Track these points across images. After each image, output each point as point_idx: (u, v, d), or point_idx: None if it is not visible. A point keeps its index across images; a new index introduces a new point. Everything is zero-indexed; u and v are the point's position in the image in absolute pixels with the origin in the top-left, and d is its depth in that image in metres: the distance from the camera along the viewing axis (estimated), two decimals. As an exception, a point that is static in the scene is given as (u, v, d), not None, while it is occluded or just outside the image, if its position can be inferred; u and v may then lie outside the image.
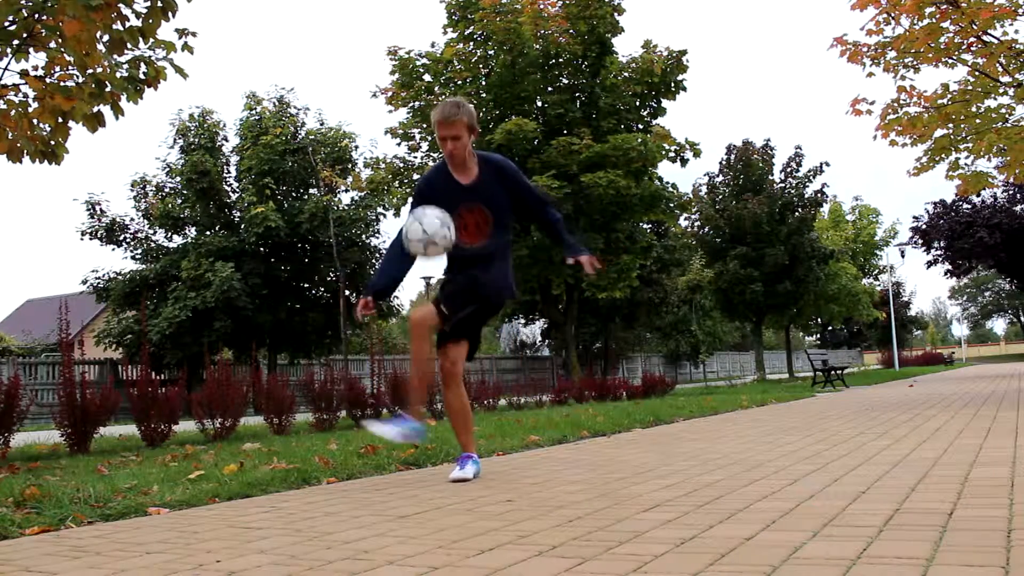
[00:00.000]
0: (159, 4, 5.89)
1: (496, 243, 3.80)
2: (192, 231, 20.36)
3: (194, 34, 6.26)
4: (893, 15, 9.12)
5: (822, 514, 2.48)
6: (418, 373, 3.92)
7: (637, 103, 17.77)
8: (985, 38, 9.01)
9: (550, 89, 17.47)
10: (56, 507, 3.08)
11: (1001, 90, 9.53)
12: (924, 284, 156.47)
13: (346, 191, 20.97)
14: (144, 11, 5.89)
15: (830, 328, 44.71)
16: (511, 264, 3.94)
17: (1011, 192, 32.95)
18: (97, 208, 19.66)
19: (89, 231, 19.64)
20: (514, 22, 16.16)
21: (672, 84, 17.66)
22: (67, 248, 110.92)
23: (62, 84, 5.95)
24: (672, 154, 17.59)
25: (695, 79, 30.43)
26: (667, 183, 18.30)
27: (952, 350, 60.69)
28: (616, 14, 17.43)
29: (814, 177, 26.61)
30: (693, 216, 26.27)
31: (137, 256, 20.11)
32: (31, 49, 5.92)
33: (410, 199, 3.67)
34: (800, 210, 26.23)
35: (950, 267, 35.68)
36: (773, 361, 41.90)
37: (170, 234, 20.54)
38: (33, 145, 6.18)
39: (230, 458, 4.85)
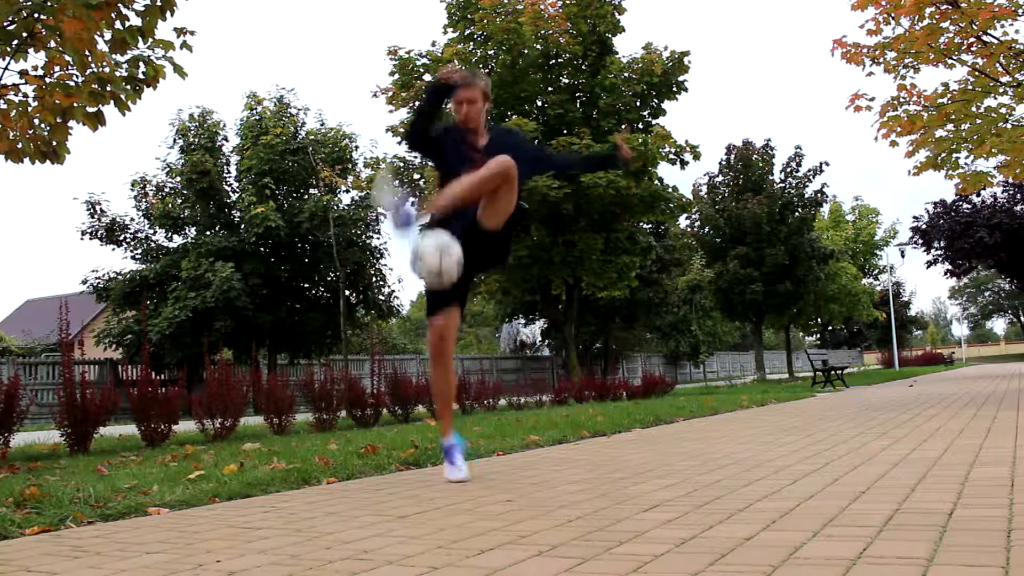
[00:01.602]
0: (157, 3, 5.89)
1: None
2: (192, 231, 20.34)
3: (192, 33, 6.26)
4: (893, 15, 9.12)
5: (822, 514, 2.48)
6: (442, 402, 3.92)
7: (637, 103, 17.77)
8: (985, 38, 9.01)
9: (550, 89, 17.48)
10: (56, 507, 3.08)
11: (1001, 90, 9.53)
12: (924, 284, 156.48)
13: (346, 191, 20.97)
14: (142, 9, 5.89)
15: (830, 328, 44.72)
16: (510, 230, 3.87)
17: (1011, 192, 32.93)
18: (97, 208, 19.63)
19: (89, 231, 19.62)
20: (514, 22, 16.16)
21: (673, 84, 17.67)
22: (67, 248, 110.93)
23: (62, 83, 5.95)
24: (672, 155, 17.60)
25: (696, 79, 30.29)
26: (667, 184, 18.32)
27: (952, 350, 60.66)
28: (617, 13, 17.44)
29: (814, 177, 26.61)
30: (693, 216, 26.28)
31: (137, 256, 20.10)
32: (31, 49, 5.92)
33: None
34: (800, 210, 26.22)
35: (950, 267, 35.64)
36: (773, 361, 41.89)
37: (170, 234, 20.53)
38: (34, 145, 6.18)
39: (230, 458, 4.85)
